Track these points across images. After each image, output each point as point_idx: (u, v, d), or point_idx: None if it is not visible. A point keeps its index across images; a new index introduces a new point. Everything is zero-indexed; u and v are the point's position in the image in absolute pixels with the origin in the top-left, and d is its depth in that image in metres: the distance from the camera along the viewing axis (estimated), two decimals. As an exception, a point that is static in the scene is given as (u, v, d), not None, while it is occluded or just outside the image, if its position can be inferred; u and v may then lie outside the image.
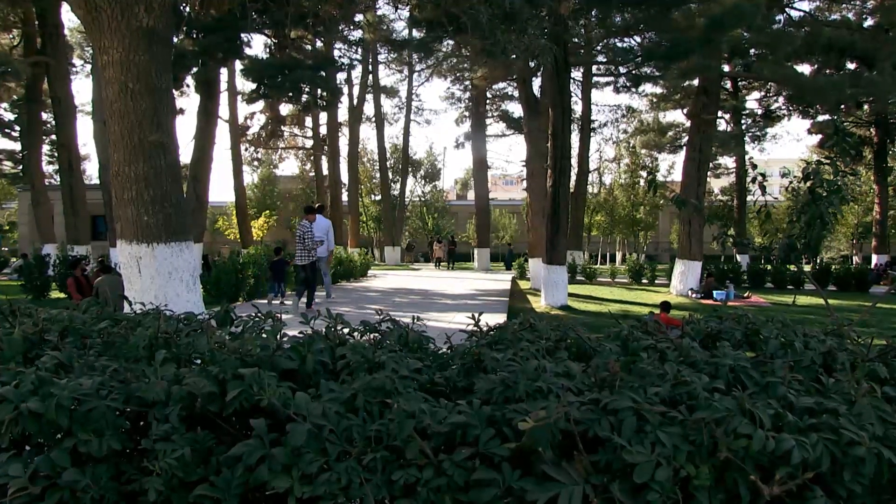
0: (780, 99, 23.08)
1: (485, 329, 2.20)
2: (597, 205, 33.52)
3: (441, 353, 2.05)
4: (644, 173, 31.63)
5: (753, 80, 21.34)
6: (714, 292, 13.33)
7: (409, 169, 34.93)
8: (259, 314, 2.11)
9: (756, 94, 24.48)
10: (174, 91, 7.44)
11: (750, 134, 25.59)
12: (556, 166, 11.48)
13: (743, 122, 24.42)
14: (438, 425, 1.34)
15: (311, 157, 33.41)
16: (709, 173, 19.71)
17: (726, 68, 17.18)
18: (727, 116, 23.12)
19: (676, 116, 29.19)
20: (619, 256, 36.96)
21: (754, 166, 3.52)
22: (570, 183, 16.54)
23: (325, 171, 29.61)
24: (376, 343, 2.01)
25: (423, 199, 40.38)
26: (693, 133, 14.63)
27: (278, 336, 1.85)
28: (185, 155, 21.52)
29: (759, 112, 24.40)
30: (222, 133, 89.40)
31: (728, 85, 22.50)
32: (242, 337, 1.88)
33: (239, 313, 2.24)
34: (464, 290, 14.20)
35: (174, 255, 5.50)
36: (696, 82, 15.65)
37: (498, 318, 5.46)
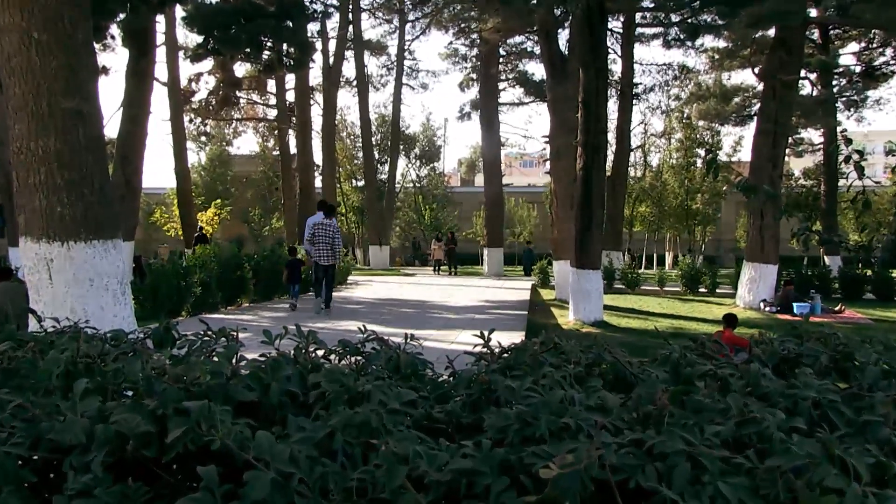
0: (888, 51, 22.80)
1: (497, 350, 2.21)
2: (641, 192, 33.53)
3: (441, 382, 2.06)
4: (702, 152, 31.63)
5: (850, 27, 21.09)
6: (794, 304, 13.32)
7: (401, 147, 35.04)
8: (209, 332, 2.12)
9: (853, 47, 24.24)
10: (95, 44, 7.46)
11: (844, 99, 25.38)
12: (589, 143, 11.49)
13: (835, 83, 24.22)
14: (438, 473, 1.34)
15: (276, 132, 33.52)
16: (787, 151, 19.60)
17: (813, 13, 17.00)
18: (813, 77, 22.92)
19: (745, 77, 29.24)
20: (668, 258, 36.95)
21: (849, 141, 3.52)
22: (607, 164, 16.55)
23: (294, 150, 29.66)
24: (359, 368, 2.02)
25: (418, 184, 40.46)
26: (767, 99, 14.62)
27: (234, 359, 1.86)
28: (112, 128, 21.42)
29: (858, 70, 24.17)
30: (160, 100, 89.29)
31: (815, 35, 22.32)
32: (188, 361, 1.89)
33: (183, 331, 2.25)
34: (470, 301, 14.22)
35: (97, 256, 5.52)
36: (771, 33, 15.62)
37: (514, 337, 5.48)
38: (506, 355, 2.19)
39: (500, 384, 1.82)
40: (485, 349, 2.23)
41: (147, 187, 22.79)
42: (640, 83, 29.11)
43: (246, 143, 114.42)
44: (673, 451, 1.35)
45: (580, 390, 1.79)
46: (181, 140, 25.75)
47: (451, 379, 2.06)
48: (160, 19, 20.58)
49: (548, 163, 24.17)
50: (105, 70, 20.45)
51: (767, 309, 13.79)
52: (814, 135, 28.88)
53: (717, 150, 30.31)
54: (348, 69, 31.41)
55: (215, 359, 1.89)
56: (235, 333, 2.11)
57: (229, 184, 40.30)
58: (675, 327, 10.92)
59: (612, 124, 24.77)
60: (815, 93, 22.97)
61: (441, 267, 25.51)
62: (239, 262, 12.85)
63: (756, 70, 17.65)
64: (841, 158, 3.55)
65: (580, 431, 1.50)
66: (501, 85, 28.10)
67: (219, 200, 34.38)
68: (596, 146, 11.54)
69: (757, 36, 19.06)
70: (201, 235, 23.85)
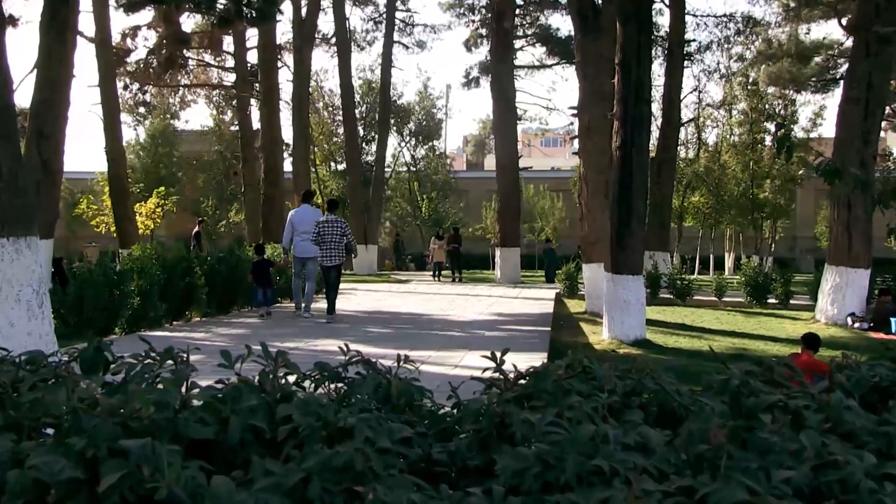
0: None
1: (512, 376, 2.22)
2: (693, 177, 33.49)
3: (443, 414, 2.07)
4: (772, 126, 31.54)
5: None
6: (891, 320, 13.28)
7: (392, 121, 35.04)
8: (151, 352, 2.13)
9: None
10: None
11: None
12: (628, 116, 11.48)
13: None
14: (438, 529, 1.36)
15: (234, 102, 33.53)
16: (884, 124, 19.48)
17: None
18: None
19: (829, 31, 29.05)
20: (729, 261, 36.91)
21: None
22: (651, 142, 16.52)
23: (257, 124, 29.66)
24: (340, 398, 2.03)
25: (413, 168, 40.47)
26: (858, 58, 14.56)
27: (184, 387, 1.87)
28: (24, 94, 21.40)
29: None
30: (85, 60, 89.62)
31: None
32: (125, 390, 1.90)
33: (118, 351, 2.26)
34: (478, 314, 14.22)
35: (6, 258, 5.53)
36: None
37: (533, 359, 5.46)
38: (523, 382, 2.19)
39: (515, 417, 1.83)
40: (497, 374, 2.24)
41: (70, 171, 22.79)
42: (694, 40, 29.07)
43: (196, 115, 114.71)
44: (732, 501, 1.36)
45: (616, 425, 1.80)
46: (113, 111, 25.70)
47: (455, 411, 2.08)
48: (88, -41, 20.60)
49: (576, 141, 24.16)
50: (13, 21, 20.27)
51: (856, 325, 13.75)
52: (917, 104, 28.74)
53: (791, 123, 30.25)
54: (325, 23, 31.44)
55: (160, 386, 1.90)
56: (185, 355, 2.12)
57: (176, 167, 40.33)
58: (737, 348, 10.89)
59: (657, 92, 24.76)
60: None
61: (442, 271, 25.48)
62: (188, 266, 12.84)
63: (844, 21, 17.56)
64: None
65: (615, 476, 1.51)
66: (518, 43, 28.13)
67: (162, 188, 34.42)
68: (637, 119, 11.52)
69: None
70: (199, 232, 23.93)
